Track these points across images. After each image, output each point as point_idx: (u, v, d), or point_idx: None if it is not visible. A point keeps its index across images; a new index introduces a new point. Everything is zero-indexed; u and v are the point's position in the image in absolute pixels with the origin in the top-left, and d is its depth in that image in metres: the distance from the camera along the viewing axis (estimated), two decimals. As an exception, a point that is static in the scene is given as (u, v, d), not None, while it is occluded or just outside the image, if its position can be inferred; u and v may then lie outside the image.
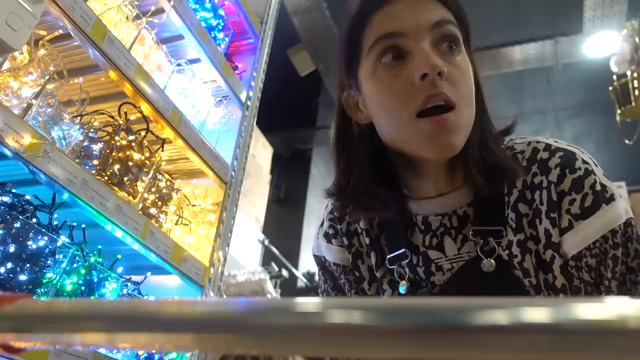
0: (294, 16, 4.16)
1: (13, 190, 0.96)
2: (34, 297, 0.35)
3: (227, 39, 1.77)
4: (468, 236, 0.70)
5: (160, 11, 1.43)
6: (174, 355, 1.32)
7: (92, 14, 1.09)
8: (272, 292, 3.36)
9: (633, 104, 3.32)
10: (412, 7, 0.65)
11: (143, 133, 1.28)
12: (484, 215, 0.69)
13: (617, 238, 0.62)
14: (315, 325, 0.25)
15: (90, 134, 1.18)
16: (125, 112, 1.27)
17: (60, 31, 1.12)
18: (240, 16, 1.83)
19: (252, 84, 1.79)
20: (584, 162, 0.65)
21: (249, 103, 1.75)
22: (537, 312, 0.22)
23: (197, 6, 1.64)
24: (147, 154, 1.29)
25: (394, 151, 0.70)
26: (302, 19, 4.21)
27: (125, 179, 1.20)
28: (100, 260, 1.11)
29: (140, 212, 1.22)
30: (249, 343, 0.27)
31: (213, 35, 1.67)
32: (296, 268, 4.98)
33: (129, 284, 1.21)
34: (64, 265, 1.00)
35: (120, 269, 1.18)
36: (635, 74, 3.31)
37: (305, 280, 4.97)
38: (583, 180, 0.63)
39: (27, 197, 0.98)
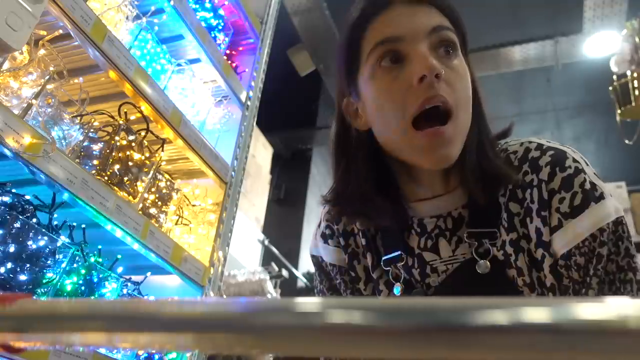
0: (294, 16, 4.16)
1: (13, 190, 0.96)
2: (34, 297, 0.35)
3: (227, 39, 1.77)
4: (462, 238, 0.70)
5: (160, 11, 1.43)
6: (174, 355, 1.32)
7: (92, 14, 1.09)
8: (272, 292, 3.36)
9: (633, 104, 3.32)
10: (410, 13, 0.66)
11: (143, 133, 1.28)
12: (478, 218, 0.70)
13: (604, 236, 0.62)
14: (315, 325, 0.25)
15: (90, 134, 1.18)
16: (125, 112, 1.27)
17: (60, 31, 1.12)
18: (240, 16, 1.84)
19: (252, 84, 1.79)
20: (574, 160, 0.65)
21: (249, 103, 1.75)
22: (536, 312, 0.22)
23: (197, 6, 1.64)
24: (147, 154, 1.29)
25: (391, 156, 0.71)
26: (302, 19, 4.21)
27: (125, 179, 1.20)
28: (100, 260, 1.11)
29: (140, 212, 1.22)
30: (249, 343, 0.27)
31: (213, 35, 1.67)
32: (296, 268, 4.97)
33: (129, 284, 1.21)
34: (64, 265, 1.00)
35: (120, 269, 1.18)
36: (635, 74, 3.31)
37: (305, 280, 4.97)
38: (573, 179, 0.64)
39: (27, 197, 0.98)
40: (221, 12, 1.73)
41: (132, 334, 0.30)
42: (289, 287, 4.38)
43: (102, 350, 1.08)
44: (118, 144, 1.20)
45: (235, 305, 0.27)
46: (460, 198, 0.71)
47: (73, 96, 1.16)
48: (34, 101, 1.00)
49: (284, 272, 3.75)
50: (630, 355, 0.20)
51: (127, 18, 1.33)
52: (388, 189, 0.72)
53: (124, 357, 1.20)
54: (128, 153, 1.22)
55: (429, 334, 0.23)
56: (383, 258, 0.76)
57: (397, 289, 0.74)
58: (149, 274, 1.29)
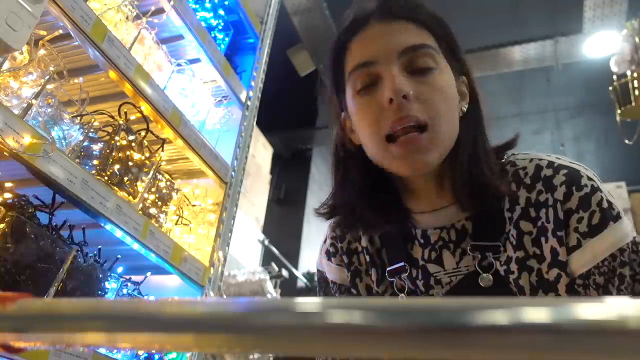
0: (294, 16, 4.16)
1: (13, 190, 0.96)
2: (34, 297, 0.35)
3: (227, 39, 1.77)
4: (466, 250, 0.70)
5: (160, 11, 1.43)
6: (174, 355, 1.32)
7: (92, 14, 1.09)
8: (272, 292, 3.36)
9: (633, 104, 3.32)
10: (385, 32, 0.68)
11: (143, 133, 1.28)
12: (482, 231, 0.70)
13: (625, 256, 0.63)
14: (315, 325, 0.25)
15: (90, 134, 1.18)
16: (125, 112, 1.27)
17: (60, 31, 1.12)
18: (240, 16, 1.84)
19: (252, 84, 1.79)
20: (589, 178, 0.65)
21: (249, 103, 1.75)
22: (537, 312, 0.22)
23: (197, 6, 1.64)
24: (147, 154, 1.29)
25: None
26: (302, 19, 4.21)
27: (125, 179, 1.20)
28: (100, 260, 1.11)
29: (140, 212, 1.22)
30: (249, 343, 0.27)
31: (213, 35, 1.67)
32: (296, 268, 4.98)
33: (129, 284, 1.21)
34: (64, 265, 1.00)
35: (120, 269, 1.18)
36: (635, 74, 3.31)
37: (305, 280, 4.97)
38: (590, 197, 0.64)
39: (27, 197, 0.98)
40: (221, 12, 1.73)
41: (132, 334, 0.30)
42: (289, 287, 4.38)
43: (102, 350, 1.08)
44: (118, 144, 1.20)
45: (235, 305, 0.27)
46: (458, 212, 0.71)
47: (73, 96, 1.16)
48: (34, 101, 1.00)
49: (284, 272, 3.75)
50: (630, 355, 0.20)
51: (127, 18, 1.34)
52: (387, 199, 0.73)
53: (124, 357, 1.20)
54: (128, 153, 1.22)
55: (429, 334, 0.23)
56: (387, 269, 0.77)
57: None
58: (149, 274, 1.29)
